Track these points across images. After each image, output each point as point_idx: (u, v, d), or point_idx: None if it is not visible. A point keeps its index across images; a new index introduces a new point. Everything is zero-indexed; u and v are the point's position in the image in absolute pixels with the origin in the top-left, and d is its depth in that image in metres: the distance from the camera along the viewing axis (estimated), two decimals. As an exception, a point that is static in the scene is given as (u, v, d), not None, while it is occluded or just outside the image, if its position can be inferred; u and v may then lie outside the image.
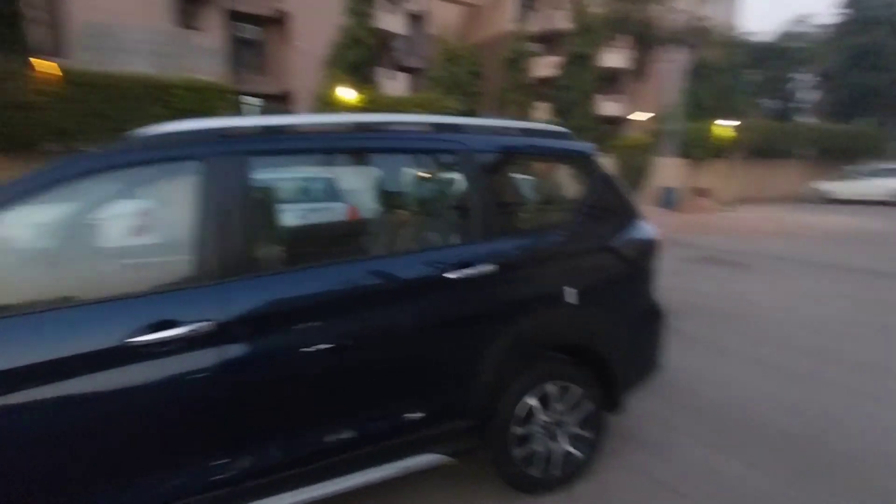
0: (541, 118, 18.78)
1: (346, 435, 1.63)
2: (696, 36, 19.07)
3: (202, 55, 16.55)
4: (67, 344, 1.29)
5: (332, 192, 5.19)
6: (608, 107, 25.22)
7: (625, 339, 2.18)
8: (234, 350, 1.43)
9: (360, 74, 14.73)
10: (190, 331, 1.36)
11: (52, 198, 1.40)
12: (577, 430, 2.08)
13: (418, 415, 1.76)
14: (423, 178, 2.35)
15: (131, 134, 1.61)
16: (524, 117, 17.25)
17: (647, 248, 2.31)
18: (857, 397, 2.95)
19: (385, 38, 19.63)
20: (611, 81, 25.06)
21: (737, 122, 18.47)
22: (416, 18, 23.32)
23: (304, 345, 1.54)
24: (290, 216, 2.54)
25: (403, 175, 2.37)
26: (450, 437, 1.83)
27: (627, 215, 2.31)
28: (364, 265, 1.79)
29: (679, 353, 3.63)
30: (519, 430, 1.95)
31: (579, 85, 19.58)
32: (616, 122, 25.03)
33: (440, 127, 1.98)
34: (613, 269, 2.21)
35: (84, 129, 8.55)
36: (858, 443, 2.46)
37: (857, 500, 2.04)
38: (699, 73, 20.88)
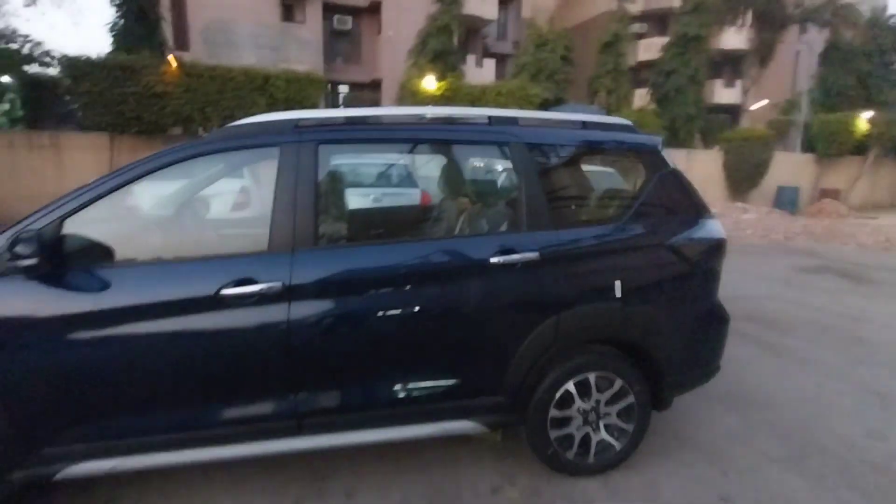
0: (636, 107, 17.44)
1: (390, 392, 1.84)
2: (833, 15, 16.35)
3: (301, 46, 17.88)
4: (178, 289, 1.64)
5: (399, 179, 5.44)
6: (722, 94, 22.71)
7: (678, 338, 2.12)
8: (298, 307, 1.69)
9: (444, 62, 14.72)
10: (264, 288, 1.64)
11: (169, 175, 1.75)
12: (617, 421, 2.10)
13: (457, 384, 1.90)
14: (475, 169, 2.44)
15: (228, 124, 1.93)
16: (617, 105, 16.17)
17: (712, 249, 2.19)
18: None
19: (474, 24, 19.52)
20: (726, 65, 22.50)
21: (877, 115, 15.71)
22: (508, 2, 22.77)
23: (359, 310, 1.77)
24: (358, 198, 2.79)
25: (456, 165, 2.48)
26: (487, 410, 1.96)
27: (693, 213, 2.20)
28: (414, 246, 1.97)
29: (769, 366, 3.39)
30: (557, 414, 2.02)
31: (686, 69, 17.79)
32: (731, 110, 22.48)
33: (495, 120, 2.05)
34: (671, 268, 2.13)
35: (202, 117, 9.80)
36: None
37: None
38: (834, 58, 17.97)
